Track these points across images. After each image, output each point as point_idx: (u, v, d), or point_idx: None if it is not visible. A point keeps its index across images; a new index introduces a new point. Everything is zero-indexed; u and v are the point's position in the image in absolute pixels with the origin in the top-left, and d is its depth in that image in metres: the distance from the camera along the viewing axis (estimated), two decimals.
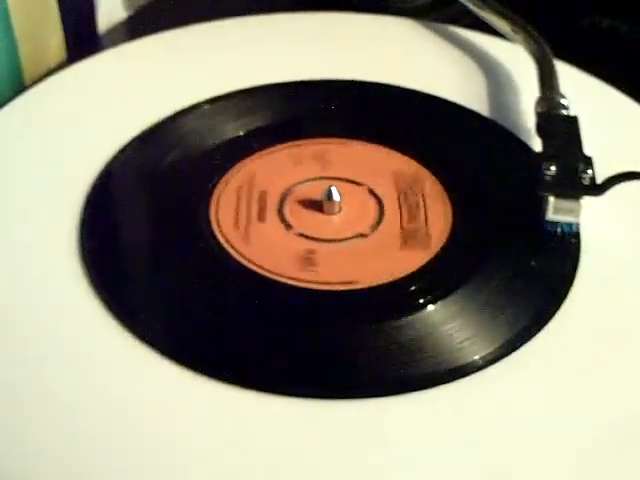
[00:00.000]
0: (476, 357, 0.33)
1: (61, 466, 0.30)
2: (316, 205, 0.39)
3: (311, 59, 0.49)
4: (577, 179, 0.37)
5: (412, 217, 0.39)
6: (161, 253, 0.38)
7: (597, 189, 0.37)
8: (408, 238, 0.38)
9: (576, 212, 0.37)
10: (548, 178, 0.37)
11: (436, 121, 0.45)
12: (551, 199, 0.37)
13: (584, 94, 0.45)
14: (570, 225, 0.38)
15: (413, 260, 0.37)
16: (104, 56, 0.49)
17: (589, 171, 0.38)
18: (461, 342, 0.34)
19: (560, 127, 0.40)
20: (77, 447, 0.30)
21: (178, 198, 0.40)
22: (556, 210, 0.37)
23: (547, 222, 0.37)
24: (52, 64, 0.51)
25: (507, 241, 0.38)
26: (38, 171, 0.41)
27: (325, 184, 0.39)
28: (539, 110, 0.42)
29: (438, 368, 0.33)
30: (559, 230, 0.38)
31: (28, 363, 0.33)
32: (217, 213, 0.39)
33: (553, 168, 0.38)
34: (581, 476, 0.30)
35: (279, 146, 0.43)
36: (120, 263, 0.38)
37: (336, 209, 0.39)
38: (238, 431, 0.31)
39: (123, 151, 0.42)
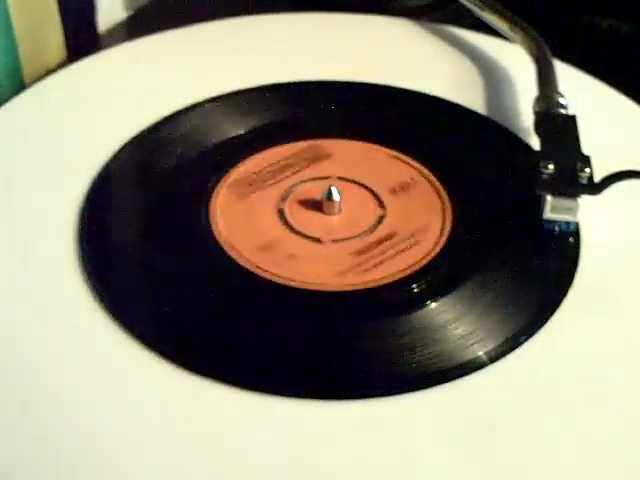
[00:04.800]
0: (480, 353, 0.33)
1: (61, 465, 0.30)
2: (316, 205, 0.39)
3: (311, 59, 0.49)
4: (575, 178, 0.37)
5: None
6: (160, 253, 0.38)
7: (595, 188, 0.37)
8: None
9: (574, 211, 0.37)
10: (546, 177, 0.37)
11: (435, 121, 0.45)
12: (549, 198, 0.37)
13: (583, 94, 0.45)
14: (568, 224, 0.38)
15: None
16: (104, 56, 0.49)
17: (587, 170, 0.38)
18: (462, 340, 0.34)
19: (558, 126, 0.41)
20: (77, 447, 0.30)
21: (178, 198, 0.40)
22: (554, 209, 0.37)
23: (545, 221, 0.37)
24: (52, 64, 0.51)
25: (507, 239, 0.38)
26: (38, 170, 0.41)
27: (325, 184, 0.40)
28: (537, 109, 0.42)
29: (440, 366, 0.33)
30: (557, 229, 0.38)
31: (28, 363, 0.33)
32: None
33: (551, 167, 0.38)
34: (584, 473, 0.30)
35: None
36: (119, 263, 0.38)
37: (336, 209, 0.39)
38: (237, 431, 0.31)
39: (123, 151, 0.42)
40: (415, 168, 0.42)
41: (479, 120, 0.45)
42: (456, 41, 0.51)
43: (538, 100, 0.42)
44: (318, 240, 0.38)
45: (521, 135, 0.43)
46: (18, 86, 0.49)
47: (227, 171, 0.41)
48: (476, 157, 0.42)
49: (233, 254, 0.37)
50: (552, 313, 0.35)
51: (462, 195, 0.40)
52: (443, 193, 0.40)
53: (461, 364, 0.33)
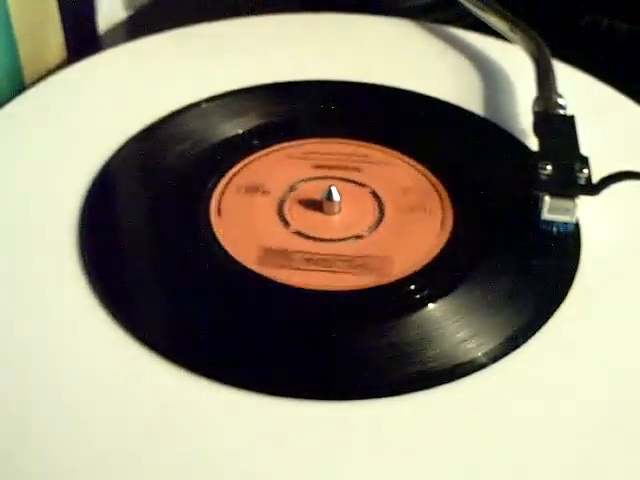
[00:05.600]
0: (479, 354, 0.33)
1: (60, 466, 0.30)
2: (316, 205, 0.39)
3: (311, 59, 0.49)
4: (573, 179, 0.37)
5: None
6: (160, 253, 0.38)
7: (593, 189, 0.37)
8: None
9: (572, 212, 0.37)
10: (544, 177, 0.37)
11: (434, 121, 0.45)
12: (547, 198, 0.37)
13: (583, 94, 0.45)
14: (566, 225, 0.38)
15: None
16: (104, 56, 0.49)
17: (585, 171, 0.38)
18: (461, 341, 0.34)
19: (557, 126, 0.41)
20: (77, 448, 0.30)
21: (178, 197, 0.40)
22: (552, 209, 0.37)
23: (543, 221, 0.37)
24: (52, 64, 0.51)
25: (507, 240, 0.38)
26: (38, 170, 0.41)
27: (325, 184, 0.40)
28: (536, 109, 0.42)
29: (439, 367, 0.33)
30: (555, 229, 0.38)
31: (28, 363, 0.33)
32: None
33: (549, 167, 0.38)
34: (582, 474, 0.30)
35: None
36: (119, 263, 0.37)
37: (336, 209, 0.39)
38: (237, 432, 0.31)
39: (122, 150, 0.42)
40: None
41: (478, 121, 0.45)
42: (456, 41, 0.51)
43: (537, 100, 0.42)
44: (312, 238, 0.38)
45: (520, 136, 0.43)
46: (18, 86, 0.49)
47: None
48: (475, 158, 0.42)
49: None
50: (552, 314, 0.35)
51: (461, 196, 0.40)
52: (442, 193, 0.40)
53: (460, 365, 0.33)
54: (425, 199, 0.40)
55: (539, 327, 0.34)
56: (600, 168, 0.38)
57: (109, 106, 0.45)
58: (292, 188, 0.40)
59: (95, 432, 0.31)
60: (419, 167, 0.42)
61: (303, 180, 0.41)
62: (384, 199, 0.40)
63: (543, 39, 0.46)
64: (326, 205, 0.39)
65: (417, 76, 0.48)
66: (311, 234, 0.38)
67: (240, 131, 0.44)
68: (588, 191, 0.37)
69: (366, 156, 0.42)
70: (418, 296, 0.35)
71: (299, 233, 0.38)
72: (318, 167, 0.42)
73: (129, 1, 0.57)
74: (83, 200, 0.39)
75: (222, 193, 0.40)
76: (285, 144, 0.43)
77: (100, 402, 0.32)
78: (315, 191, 0.40)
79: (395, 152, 0.42)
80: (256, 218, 0.39)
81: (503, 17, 0.48)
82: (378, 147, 0.43)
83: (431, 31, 0.52)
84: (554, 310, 0.35)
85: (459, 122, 0.45)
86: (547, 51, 0.45)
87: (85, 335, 0.34)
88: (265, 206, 0.39)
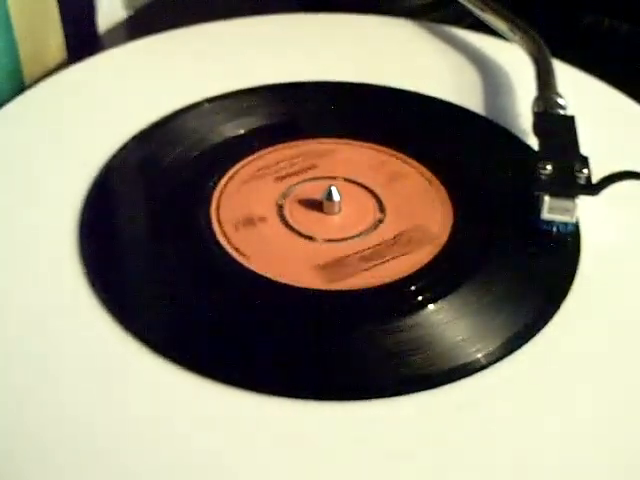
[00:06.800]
0: (479, 356, 0.33)
1: (60, 466, 0.30)
2: (316, 205, 0.39)
3: (311, 59, 0.49)
4: (573, 178, 0.37)
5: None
6: (160, 253, 0.38)
7: (593, 188, 0.37)
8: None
9: (571, 211, 0.37)
10: (544, 177, 0.37)
11: (435, 121, 0.45)
12: (546, 198, 0.37)
13: (583, 94, 0.45)
14: (565, 224, 0.38)
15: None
16: (104, 56, 0.49)
17: (585, 170, 0.37)
18: (461, 342, 0.34)
19: (557, 126, 0.41)
20: (77, 447, 0.30)
21: (178, 197, 0.40)
22: (551, 209, 0.37)
23: (542, 221, 0.37)
24: (52, 64, 0.51)
25: (507, 240, 0.38)
26: (38, 171, 0.41)
27: (325, 184, 0.40)
28: (536, 109, 0.42)
29: (438, 368, 0.33)
30: (554, 229, 0.38)
31: (27, 363, 0.33)
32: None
33: (549, 167, 0.38)
34: (582, 474, 0.30)
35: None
36: (120, 263, 0.38)
37: (336, 209, 0.39)
38: (239, 431, 0.31)
39: (122, 151, 0.42)
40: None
41: (478, 121, 0.45)
42: (456, 41, 0.51)
43: (537, 100, 0.42)
44: (311, 238, 0.38)
45: (520, 135, 0.43)
46: (18, 86, 0.49)
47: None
48: (475, 158, 0.42)
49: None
50: (552, 315, 0.35)
51: (461, 195, 0.40)
52: (442, 193, 0.40)
53: (460, 366, 0.33)
54: (425, 199, 0.40)
55: (539, 328, 0.34)
56: (600, 168, 0.38)
57: (109, 106, 0.45)
58: (292, 188, 0.40)
59: (94, 431, 0.31)
60: (418, 167, 0.42)
61: (304, 180, 0.41)
62: (383, 200, 0.40)
63: (543, 39, 0.46)
64: (326, 205, 0.39)
65: (417, 76, 0.48)
66: (310, 233, 0.38)
67: (241, 131, 0.44)
68: (588, 191, 0.37)
69: (365, 156, 0.42)
70: (418, 297, 0.35)
71: (298, 232, 0.38)
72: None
73: (129, 1, 0.57)
74: (83, 200, 0.39)
75: (222, 193, 0.40)
76: (284, 145, 0.43)
77: (101, 402, 0.32)
78: (315, 191, 0.40)
79: (395, 152, 0.42)
80: (256, 217, 0.39)
81: (503, 17, 0.48)
82: (378, 147, 0.43)
83: (431, 31, 0.52)
84: (554, 311, 0.35)
85: (459, 122, 0.45)
86: (547, 51, 0.45)
87: (85, 335, 0.34)
88: (265, 206, 0.39)
